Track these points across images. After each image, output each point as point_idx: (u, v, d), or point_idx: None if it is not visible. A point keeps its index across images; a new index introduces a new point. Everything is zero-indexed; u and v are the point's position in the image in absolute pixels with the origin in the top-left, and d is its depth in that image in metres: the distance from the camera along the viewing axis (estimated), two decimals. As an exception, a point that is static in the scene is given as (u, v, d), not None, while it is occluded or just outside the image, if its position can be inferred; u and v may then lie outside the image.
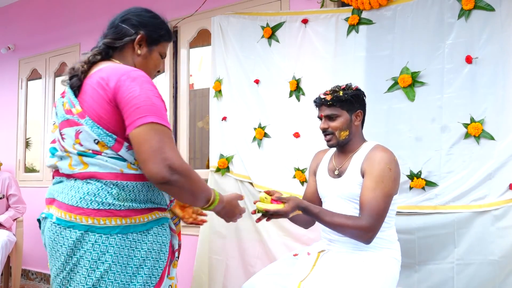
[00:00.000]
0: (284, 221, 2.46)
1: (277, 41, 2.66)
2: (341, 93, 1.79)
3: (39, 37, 4.34)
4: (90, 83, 1.26)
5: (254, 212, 1.64)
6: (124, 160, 1.25)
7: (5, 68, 4.63)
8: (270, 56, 2.68)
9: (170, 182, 1.18)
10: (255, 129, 2.71)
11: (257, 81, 2.71)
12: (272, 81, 2.67)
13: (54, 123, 1.36)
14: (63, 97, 1.34)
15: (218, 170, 2.82)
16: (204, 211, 1.51)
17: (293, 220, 1.88)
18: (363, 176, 1.72)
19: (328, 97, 1.79)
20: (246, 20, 2.78)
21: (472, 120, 2.08)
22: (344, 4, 2.51)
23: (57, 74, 4.24)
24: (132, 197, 1.25)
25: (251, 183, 2.69)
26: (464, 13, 2.12)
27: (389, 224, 1.76)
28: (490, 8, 2.07)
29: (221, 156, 2.82)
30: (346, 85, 1.84)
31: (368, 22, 2.38)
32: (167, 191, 1.28)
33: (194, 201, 1.32)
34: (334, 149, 1.93)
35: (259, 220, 1.67)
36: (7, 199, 3.59)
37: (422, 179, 2.17)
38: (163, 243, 1.31)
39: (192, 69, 3.41)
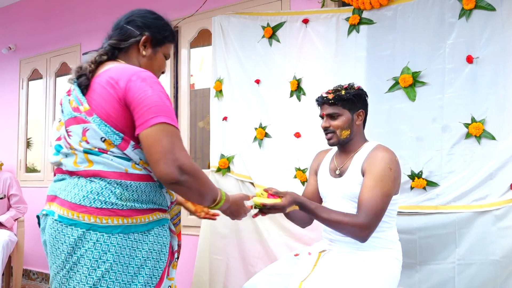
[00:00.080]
0: (285, 221, 2.46)
1: (278, 41, 2.66)
2: (343, 92, 1.79)
3: (40, 37, 4.35)
4: (99, 82, 1.28)
5: (250, 207, 1.63)
6: (129, 159, 1.26)
7: (6, 68, 4.64)
8: (271, 56, 2.68)
9: (180, 183, 1.21)
10: (256, 129, 2.71)
11: (257, 81, 2.71)
12: (273, 81, 2.67)
13: (59, 120, 1.37)
14: (69, 95, 1.35)
15: (219, 170, 2.82)
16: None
17: (290, 217, 1.87)
18: (363, 175, 1.72)
19: (330, 96, 1.80)
20: (246, 20, 2.78)
21: (473, 120, 2.08)
22: (344, 4, 2.51)
23: (58, 74, 4.25)
24: (135, 197, 1.26)
25: (252, 183, 2.69)
26: (465, 13, 2.12)
27: (390, 224, 1.76)
28: (491, 8, 2.06)
29: (222, 156, 2.82)
30: (349, 84, 1.84)
31: (369, 22, 2.37)
32: (175, 190, 1.30)
33: (201, 200, 1.35)
34: (335, 149, 1.92)
35: (256, 215, 1.66)
36: (8, 199, 3.59)
37: (423, 179, 2.17)
38: (164, 243, 1.31)
39: (193, 69, 3.41)
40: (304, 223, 1.94)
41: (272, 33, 2.68)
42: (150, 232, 1.27)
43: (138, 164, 1.27)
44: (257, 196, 1.63)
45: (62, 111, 1.35)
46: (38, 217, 1.36)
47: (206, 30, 3.15)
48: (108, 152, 1.25)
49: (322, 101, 1.84)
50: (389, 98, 2.29)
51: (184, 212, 3.13)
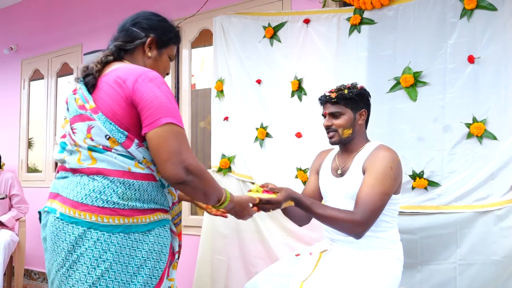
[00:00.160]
0: (286, 221, 2.46)
1: (279, 41, 2.67)
2: (346, 91, 1.80)
3: (41, 38, 4.35)
4: (106, 81, 1.29)
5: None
6: (132, 158, 1.27)
7: (8, 69, 4.64)
8: (272, 56, 2.68)
9: (185, 182, 1.25)
10: (257, 129, 2.71)
11: (259, 81, 2.72)
12: (274, 81, 2.67)
13: (65, 118, 1.39)
14: (75, 94, 1.36)
15: (220, 170, 2.83)
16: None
17: (287, 214, 1.87)
18: (364, 174, 1.72)
19: (333, 95, 1.80)
20: (248, 20, 2.78)
21: (475, 120, 2.08)
22: (346, 4, 2.51)
23: (59, 74, 4.26)
24: (137, 196, 1.26)
25: (253, 183, 2.69)
26: (466, 13, 2.11)
27: (391, 224, 1.76)
28: (492, 8, 2.06)
29: (223, 156, 2.82)
30: (352, 84, 1.85)
31: (370, 22, 2.37)
32: (181, 190, 1.32)
33: (206, 200, 1.38)
34: (337, 149, 1.92)
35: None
36: (10, 199, 3.60)
37: (424, 179, 2.17)
38: (164, 244, 1.32)
39: (194, 69, 3.41)
40: (301, 221, 1.93)
41: (273, 33, 2.68)
42: (150, 232, 1.28)
43: (141, 163, 1.28)
44: (252, 192, 1.63)
45: (68, 109, 1.37)
46: (39, 213, 1.37)
47: (207, 30, 3.15)
48: (112, 150, 1.26)
49: (324, 100, 1.84)
50: (390, 98, 2.29)
51: (185, 212, 3.14)
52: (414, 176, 2.19)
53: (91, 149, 1.27)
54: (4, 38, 4.69)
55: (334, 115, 1.81)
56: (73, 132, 1.31)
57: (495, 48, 2.06)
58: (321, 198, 1.93)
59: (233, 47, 2.83)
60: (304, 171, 2.51)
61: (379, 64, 2.34)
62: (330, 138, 1.83)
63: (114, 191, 1.23)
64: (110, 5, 3.79)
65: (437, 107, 2.17)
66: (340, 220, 1.62)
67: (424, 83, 2.21)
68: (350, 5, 2.44)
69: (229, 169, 2.81)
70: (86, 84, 1.32)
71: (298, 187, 2.50)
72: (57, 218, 1.26)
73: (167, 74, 1.53)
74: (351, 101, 1.79)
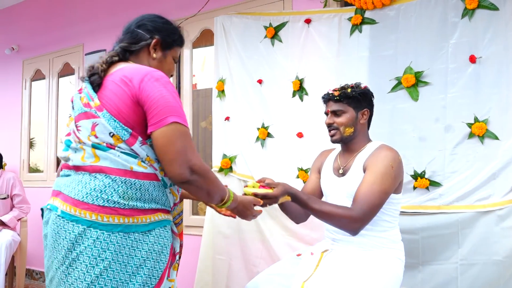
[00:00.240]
0: (287, 221, 2.46)
1: (280, 41, 2.66)
2: (349, 90, 1.80)
3: (43, 38, 4.36)
4: (112, 80, 1.31)
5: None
6: (135, 156, 1.28)
7: (9, 69, 4.65)
8: (273, 56, 2.68)
9: (190, 182, 1.28)
10: (258, 129, 2.71)
11: (260, 81, 2.72)
12: (275, 81, 2.67)
13: (70, 116, 1.41)
14: (80, 93, 1.38)
15: (221, 170, 2.83)
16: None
17: (284, 210, 1.87)
18: (364, 172, 1.72)
19: (336, 93, 1.81)
20: (249, 20, 2.78)
21: (476, 119, 2.08)
22: (347, 4, 2.50)
23: (61, 74, 4.26)
24: (138, 195, 1.27)
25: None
26: (467, 13, 2.11)
27: (392, 224, 1.76)
28: (494, 8, 2.06)
29: (224, 156, 2.83)
30: (356, 83, 1.85)
31: (371, 22, 2.37)
32: (185, 189, 1.35)
33: (209, 199, 1.40)
34: (339, 149, 1.92)
35: None
36: (12, 199, 3.60)
37: (426, 179, 2.17)
38: (164, 245, 1.32)
39: (195, 69, 3.41)
40: (298, 218, 1.92)
41: (274, 33, 2.68)
42: (151, 233, 1.29)
43: (144, 162, 1.29)
44: (248, 187, 1.63)
45: (73, 108, 1.39)
46: (42, 210, 1.38)
47: (209, 30, 3.15)
48: (116, 148, 1.27)
49: (327, 98, 1.85)
50: (391, 98, 2.29)
51: (186, 212, 3.14)
52: (416, 176, 2.19)
53: (94, 146, 1.28)
54: (6, 38, 4.69)
55: (336, 113, 1.81)
56: (78, 130, 1.33)
57: (497, 48, 2.05)
58: (320, 197, 1.93)
59: (234, 47, 2.83)
60: (306, 171, 2.51)
61: (380, 64, 2.34)
62: (332, 136, 1.83)
63: (115, 190, 1.24)
64: (111, 5, 3.79)
65: (438, 107, 2.17)
66: (337, 215, 1.62)
67: (426, 83, 2.21)
68: (351, 5, 2.44)
69: (230, 169, 2.81)
70: (91, 83, 1.33)
71: (299, 187, 2.50)
72: (58, 216, 1.27)
73: (172, 76, 1.55)
74: (354, 100, 1.79)
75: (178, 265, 1.49)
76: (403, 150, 1.96)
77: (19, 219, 3.58)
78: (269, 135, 2.68)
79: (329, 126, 1.83)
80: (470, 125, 2.09)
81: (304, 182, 2.51)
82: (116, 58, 1.39)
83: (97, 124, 1.28)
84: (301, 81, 2.58)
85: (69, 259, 1.24)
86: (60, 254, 1.25)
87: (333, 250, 1.77)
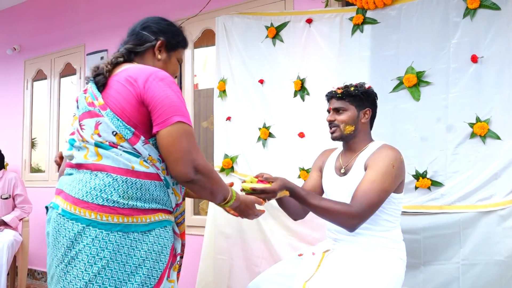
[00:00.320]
0: (289, 221, 2.46)
1: (282, 41, 2.66)
2: (352, 88, 1.81)
3: (44, 38, 4.36)
4: (117, 80, 1.33)
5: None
6: (138, 155, 1.29)
7: (11, 69, 4.66)
8: (275, 56, 2.68)
9: (194, 181, 1.30)
10: (259, 129, 2.71)
11: (261, 81, 2.72)
12: (277, 81, 2.67)
13: (74, 115, 1.42)
14: (85, 93, 1.39)
15: (222, 170, 2.83)
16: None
17: (282, 206, 1.87)
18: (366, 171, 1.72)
19: (339, 91, 1.82)
20: (250, 20, 2.78)
21: (478, 119, 2.07)
22: (348, 4, 2.50)
23: (62, 74, 4.27)
24: (138, 195, 1.28)
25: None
26: (469, 12, 2.11)
27: (394, 224, 1.76)
28: (495, 7, 2.05)
29: (226, 156, 2.83)
30: (359, 83, 1.86)
31: (373, 21, 2.37)
32: (189, 188, 1.38)
33: (212, 198, 1.43)
34: (341, 148, 1.93)
35: None
36: (13, 199, 3.61)
37: (427, 179, 2.16)
38: (164, 245, 1.33)
39: (197, 69, 3.41)
40: (296, 214, 1.92)
41: (275, 33, 2.68)
42: (151, 233, 1.29)
43: (146, 161, 1.30)
44: (246, 183, 1.64)
45: (77, 107, 1.41)
46: (47, 207, 1.39)
47: (210, 30, 3.15)
48: (118, 147, 1.28)
49: (330, 95, 1.86)
50: (393, 98, 2.28)
51: (188, 212, 3.14)
52: (417, 176, 2.19)
53: (97, 145, 1.29)
54: (7, 38, 4.70)
55: (337, 111, 1.82)
56: (82, 128, 1.35)
57: (499, 48, 2.05)
58: (320, 195, 1.93)
59: (235, 47, 2.83)
60: (307, 171, 2.51)
61: (382, 64, 2.33)
62: (332, 133, 1.84)
63: (115, 189, 1.25)
64: (112, 6, 3.80)
65: (440, 106, 2.17)
66: (336, 211, 1.62)
67: (427, 83, 2.20)
68: (352, 4, 2.43)
69: (232, 169, 2.81)
70: (96, 83, 1.35)
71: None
72: (59, 214, 1.28)
73: (176, 77, 1.57)
74: (356, 99, 1.80)
75: (180, 266, 1.50)
76: (404, 150, 1.96)
77: (21, 219, 3.58)
78: (270, 135, 2.68)
79: (330, 123, 1.84)
80: (472, 125, 2.09)
81: (306, 182, 2.51)
82: (121, 59, 1.40)
83: (101, 123, 1.30)
84: (302, 81, 2.58)
85: (68, 257, 1.25)
86: (60, 252, 1.27)
87: (335, 250, 1.77)
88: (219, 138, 2.88)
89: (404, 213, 1.93)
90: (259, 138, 2.72)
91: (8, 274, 3.38)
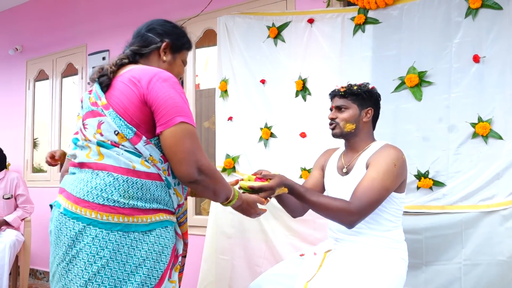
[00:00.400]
0: (290, 221, 2.47)
1: (283, 41, 2.66)
2: (355, 87, 1.82)
3: (46, 38, 4.37)
4: (121, 80, 1.34)
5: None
6: (139, 155, 1.30)
7: (13, 69, 4.67)
8: (276, 56, 2.68)
9: (197, 182, 1.31)
10: (261, 129, 2.71)
11: (263, 81, 2.72)
12: (278, 81, 2.67)
13: (78, 115, 1.45)
14: (90, 93, 1.41)
15: (224, 170, 2.83)
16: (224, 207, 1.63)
17: (281, 202, 1.87)
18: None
19: (342, 89, 1.83)
20: (252, 20, 2.78)
21: (480, 119, 2.07)
22: (350, 4, 2.50)
23: (64, 74, 4.28)
24: (139, 195, 1.28)
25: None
26: (471, 12, 2.11)
27: (396, 224, 1.76)
28: (497, 7, 2.05)
29: (227, 156, 2.83)
30: (363, 83, 1.87)
31: (375, 21, 2.37)
32: (192, 188, 1.40)
33: (215, 198, 1.44)
34: (343, 148, 1.93)
35: None
36: (15, 199, 3.62)
37: (429, 179, 2.16)
38: (165, 245, 1.33)
39: (198, 69, 3.41)
40: (295, 211, 1.92)
41: (277, 33, 2.68)
42: (151, 233, 1.29)
43: (147, 161, 1.30)
44: (244, 181, 1.64)
45: (82, 107, 1.43)
46: (51, 206, 1.40)
47: (211, 30, 3.16)
48: (120, 146, 1.29)
49: (333, 94, 1.88)
50: (395, 98, 2.28)
51: (189, 212, 3.14)
52: (419, 176, 2.19)
53: (99, 144, 1.30)
54: (9, 39, 4.71)
55: (339, 109, 1.83)
56: (84, 128, 1.36)
57: (501, 47, 2.05)
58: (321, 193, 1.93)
59: (237, 47, 2.83)
60: (309, 171, 2.51)
61: (383, 64, 2.33)
62: (332, 130, 1.84)
63: (115, 188, 1.26)
64: (114, 6, 3.80)
65: (442, 106, 2.17)
66: (334, 207, 1.61)
67: (429, 83, 2.20)
68: (354, 4, 2.43)
69: (234, 169, 2.81)
70: (100, 84, 1.36)
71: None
72: (60, 213, 1.29)
73: (181, 79, 1.58)
74: (359, 97, 1.81)
75: (183, 265, 1.50)
76: (406, 150, 1.96)
77: (23, 219, 3.59)
78: (272, 135, 2.68)
79: (331, 120, 1.84)
80: (474, 125, 2.08)
81: (307, 182, 2.51)
82: (126, 61, 1.42)
83: (103, 122, 1.31)
84: (304, 81, 2.58)
85: (69, 255, 1.26)
86: (61, 250, 1.28)
87: (336, 250, 1.77)
88: (220, 138, 2.88)
89: (406, 213, 1.93)
90: (260, 138, 2.72)
91: (10, 274, 3.39)
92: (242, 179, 1.66)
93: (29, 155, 4.45)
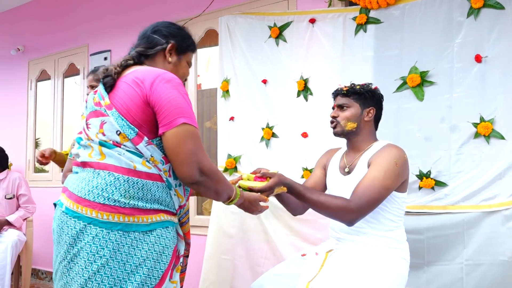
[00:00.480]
0: (292, 221, 2.47)
1: (285, 41, 2.66)
2: (358, 86, 1.83)
3: (48, 39, 4.38)
4: (125, 81, 1.35)
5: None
6: (140, 156, 1.30)
7: (15, 69, 4.68)
8: (278, 56, 2.68)
9: (199, 182, 1.33)
10: (263, 129, 2.71)
11: (264, 81, 2.72)
12: (280, 81, 2.67)
13: (82, 114, 1.46)
14: (94, 94, 1.42)
15: (225, 170, 2.83)
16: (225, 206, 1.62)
17: (281, 201, 1.87)
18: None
19: (345, 88, 1.84)
20: (253, 20, 2.78)
21: (482, 119, 2.07)
22: (351, 4, 2.50)
23: (66, 75, 4.28)
24: (140, 195, 1.29)
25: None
26: (473, 12, 2.10)
27: (397, 224, 1.76)
28: (499, 7, 2.05)
29: (229, 156, 2.83)
30: (366, 83, 1.87)
31: (376, 21, 2.37)
32: (194, 189, 1.40)
33: (217, 197, 1.46)
34: (345, 148, 1.93)
35: None
36: (17, 199, 3.62)
37: (431, 179, 2.16)
38: (166, 245, 1.33)
39: (200, 69, 3.42)
40: (295, 210, 1.92)
41: (278, 33, 2.68)
42: (152, 233, 1.30)
43: (148, 162, 1.31)
44: (243, 180, 1.64)
45: (86, 107, 1.44)
46: (55, 204, 1.41)
47: (213, 30, 3.16)
48: (122, 146, 1.30)
49: (336, 93, 1.88)
50: (397, 98, 2.28)
51: (191, 212, 3.14)
52: (421, 176, 2.19)
53: (101, 144, 1.31)
54: (11, 39, 4.72)
55: (341, 107, 1.83)
56: (88, 127, 1.37)
57: (503, 47, 2.04)
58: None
59: (238, 47, 2.83)
60: (310, 171, 2.51)
61: (385, 63, 2.33)
62: (333, 128, 1.85)
63: (116, 188, 1.26)
64: (116, 6, 3.80)
65: (444, 106, 2.16)
66: (334, 205, 1.61)
67: (431, 83, 2.20)
68: (356, 4, 2.43)
69: (235, 169, 2.81)
70: (104, 84, 1.37)
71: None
72: (62, 211, 1.30)
73: (185, 80, 1.59)
74: (361, 97, 1.81)
75: (185, 266, 1.50)
76: (408, 150, 1.95)
77: (25, 219, 3.59)
78: (273, 135, 2.68)
79: (333, 119, 1.84)
80: (475, 125, 2.08)
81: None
82: (131, 62, 1.42)
83: (105, 122, 1.32)
84: (305, 81, 2.58)
85: (71, 254, 1.27)
86: (63, 248, 1.29)
87: (338, 250, 1.77)
88: (222, 138, 2.88)
89: (407, 213, 1.93)
90: (262, 138, 2.72)
91: (12, 273, 3.40)
92: (241, 178, 1.66)
93: (31, 155, 4.45)
